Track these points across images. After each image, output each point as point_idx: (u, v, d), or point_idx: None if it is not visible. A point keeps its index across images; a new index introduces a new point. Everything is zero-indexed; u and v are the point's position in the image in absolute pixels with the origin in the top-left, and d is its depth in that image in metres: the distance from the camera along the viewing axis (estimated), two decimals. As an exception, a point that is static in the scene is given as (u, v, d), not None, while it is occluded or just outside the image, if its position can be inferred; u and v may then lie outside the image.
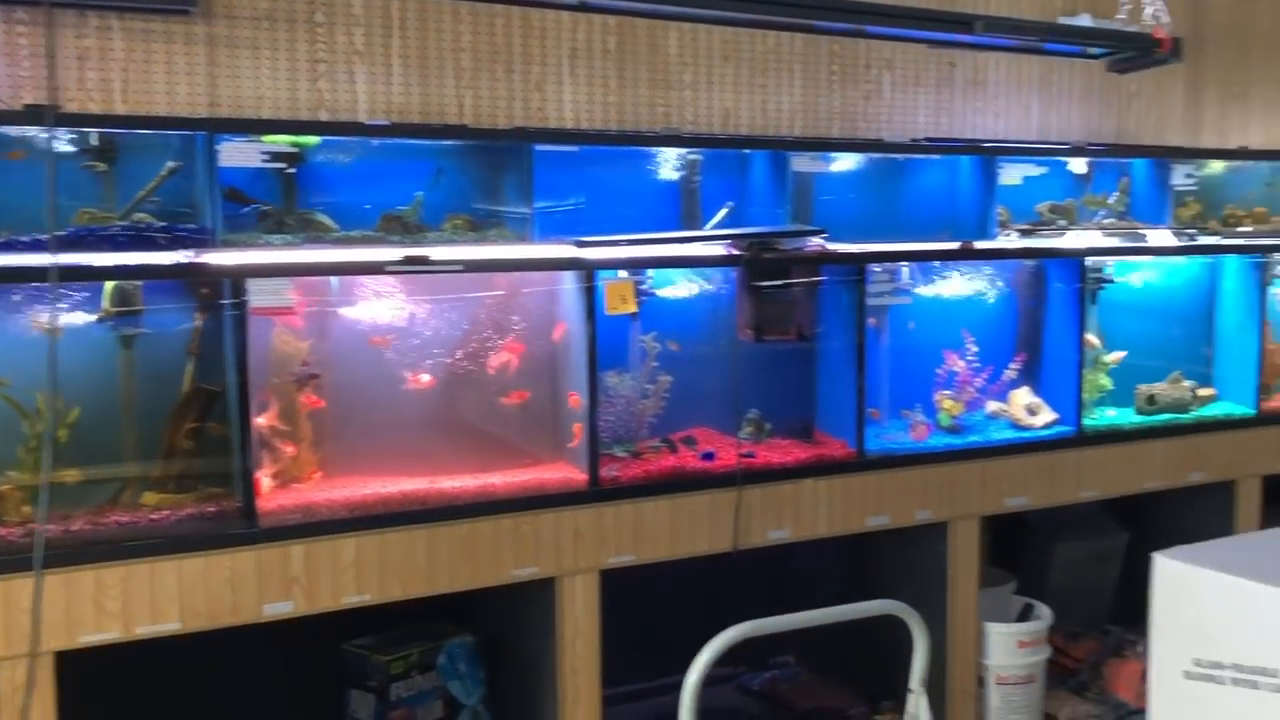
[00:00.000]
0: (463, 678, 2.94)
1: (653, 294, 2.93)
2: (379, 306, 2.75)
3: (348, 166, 2.91)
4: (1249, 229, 4.05)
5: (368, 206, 2.89)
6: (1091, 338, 3.55)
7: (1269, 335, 3.79)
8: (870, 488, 3.06)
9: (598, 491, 2.73)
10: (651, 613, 3.06)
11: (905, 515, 3.11)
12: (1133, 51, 3.30)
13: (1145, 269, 3.73)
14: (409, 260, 2.50)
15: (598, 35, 3.40)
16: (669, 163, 3.32)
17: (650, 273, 2.92)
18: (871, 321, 3.16)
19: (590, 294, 2.69)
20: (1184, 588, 1.83)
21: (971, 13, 3.19)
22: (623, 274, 2.80)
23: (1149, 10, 3.22)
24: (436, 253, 2.59)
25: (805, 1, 2.76)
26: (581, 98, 3.39)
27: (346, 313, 2.74)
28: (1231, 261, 3.76)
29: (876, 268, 3.13)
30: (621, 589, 2.82)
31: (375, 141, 2.94)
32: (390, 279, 2.70)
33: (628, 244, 2.82)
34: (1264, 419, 3.67)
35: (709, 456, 2.91)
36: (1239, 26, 4.54)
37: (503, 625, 2.97)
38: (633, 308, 2.77)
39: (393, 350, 2.78)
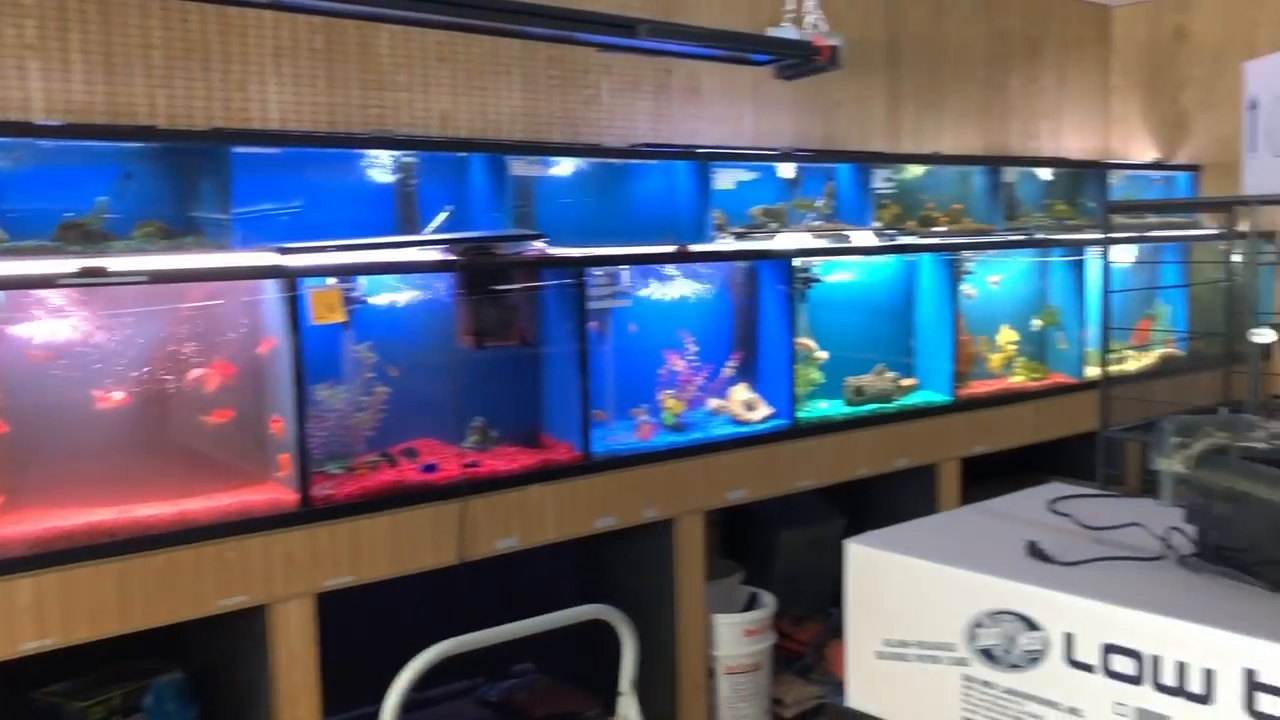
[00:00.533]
0: (171, 717, 2.74)
1: (365, 302, 2.83)
2: (61, 322, 2.51)
3: (20, 170, 2.66)
4: (943, 229, 4.36)
5: (70, 214, 2.65)
6: (807, 341, 3.71)
7: (962, 327, 4.09)
8: (597, 489, 3.07)
9: (310, 511, 2.60)
10: (382, 632, 2.95)
11: (633, 514, 3.14)
12: (796, 59, 3.46)
13: (850, 268, 3.93)
14: (86, 272, 2.30)
15: (304, 34, 3.25)
16: (383, 166, 3.23)
17: (363, 280, 2.82)
18: (594, 325, 3.18)
19: (294, 303, 2.56)
20: (873, 571, 1.93)
21: (634, 16, 3.23)
22: (331, 281, 2.69)
23: (810, 19, 3.39)
24: (120, 263, 2.39)
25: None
26: (288, 98, 3.24)
27: (23, 330, 2.49)
28: (927, 259, 4.02)
29: (597, 271, 3.15)
30: (347, 610, 2.71)
31: (52, 143, 2.70)
32: (76, 292, 2.47)
33: (335, 250, 2.71)
34: (960, 405, 3.95)
35: (431, 468, 2.84)
36: (932, 40, 4.87)
37: (215, 658, 2.79)
38: (341, 317, 2.66)
39: (80, 369, 2.55)
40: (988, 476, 3.96)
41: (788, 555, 3.95)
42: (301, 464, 2.60)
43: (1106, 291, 3.01)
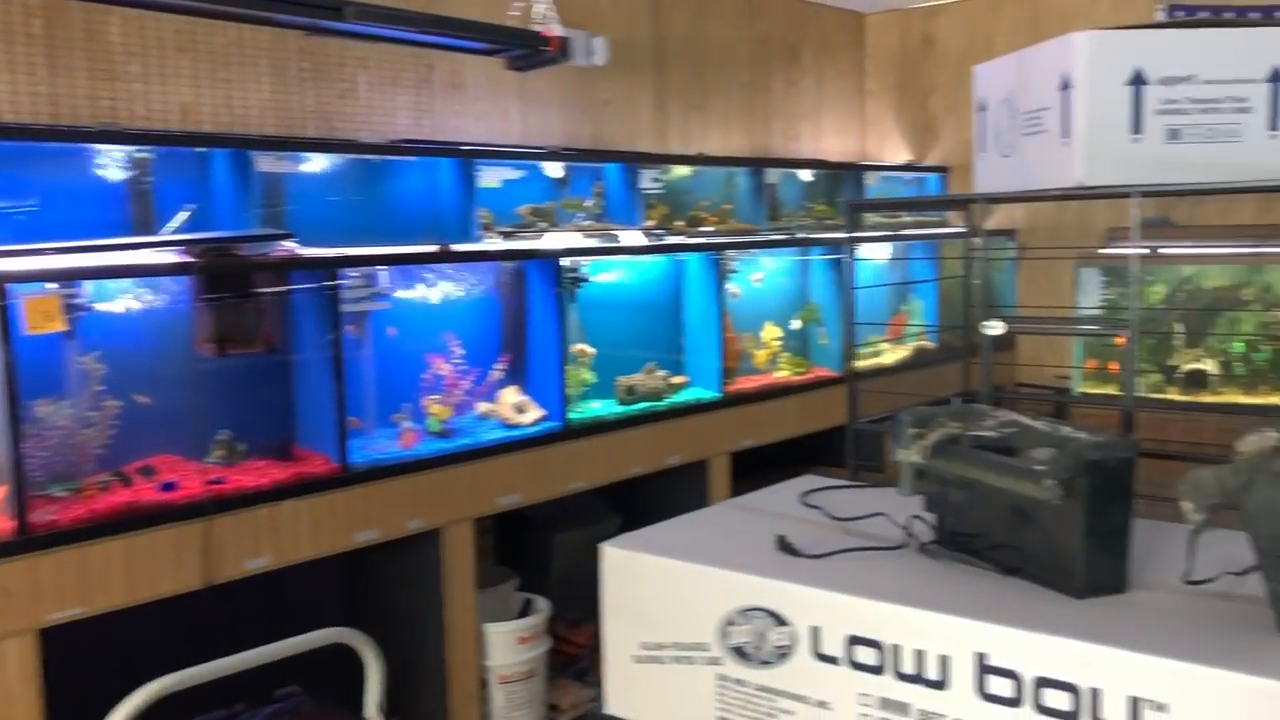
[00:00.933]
0: None
1: (91, 309, 2.60)
2: None
3: None
4: (710, 229, 4.42)
5: None
6: (583, 346, 3.68)
7: (729, 325, 4.15)
8: (357, 502, 2.93)
9: (29, 540, 2.36)
10: (123, 667, 2.72)
11: (396, 526, 3.03)
12: (524, 49, 3.41)
13: (620, 267, 3.92)
14: None
15: (19, 17, 2.98)
16: (116, 162, 2.99)
17: (88, 285, 2.59)
18: (350, 328, 3.05)
19: (4, 312, 2.32)
20: (628, 574, 1.90)
21: (348, 0, 3.12)
22: (51, 287, 2.45)
23: (538, 9, 3.36)
24: None
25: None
26: (2, 87, 2.95)
27: None
28: (694, 259, 4.06)
29: (352, 272, 3.02)
30: (80, 645, 2.48)
31: None
32: None
33: (54, 252, 2.48)
34: (728, 401, 4.01)
35: (170, 487, 2.64)
36: (696, 43, 4.94)
37: (-79, 709, 2.51)
38: (61, 325, 2.43)
39: None
40: (757, 469, 4.04)
41: (564, 557, 3.91)
42: (18, 488, 2.36)
43: (851, 288, 3.11)
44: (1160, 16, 4.14)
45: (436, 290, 3.39)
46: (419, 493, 3.07)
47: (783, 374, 4.37)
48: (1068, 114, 2.40)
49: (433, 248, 3.26)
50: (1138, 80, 2.33)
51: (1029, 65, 2.59)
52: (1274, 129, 2.35)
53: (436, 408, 3.26)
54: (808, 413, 4.31)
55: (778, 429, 4.21)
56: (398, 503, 3.02)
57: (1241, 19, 3.25)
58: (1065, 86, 2.39)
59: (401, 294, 3.28)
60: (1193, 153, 2.34)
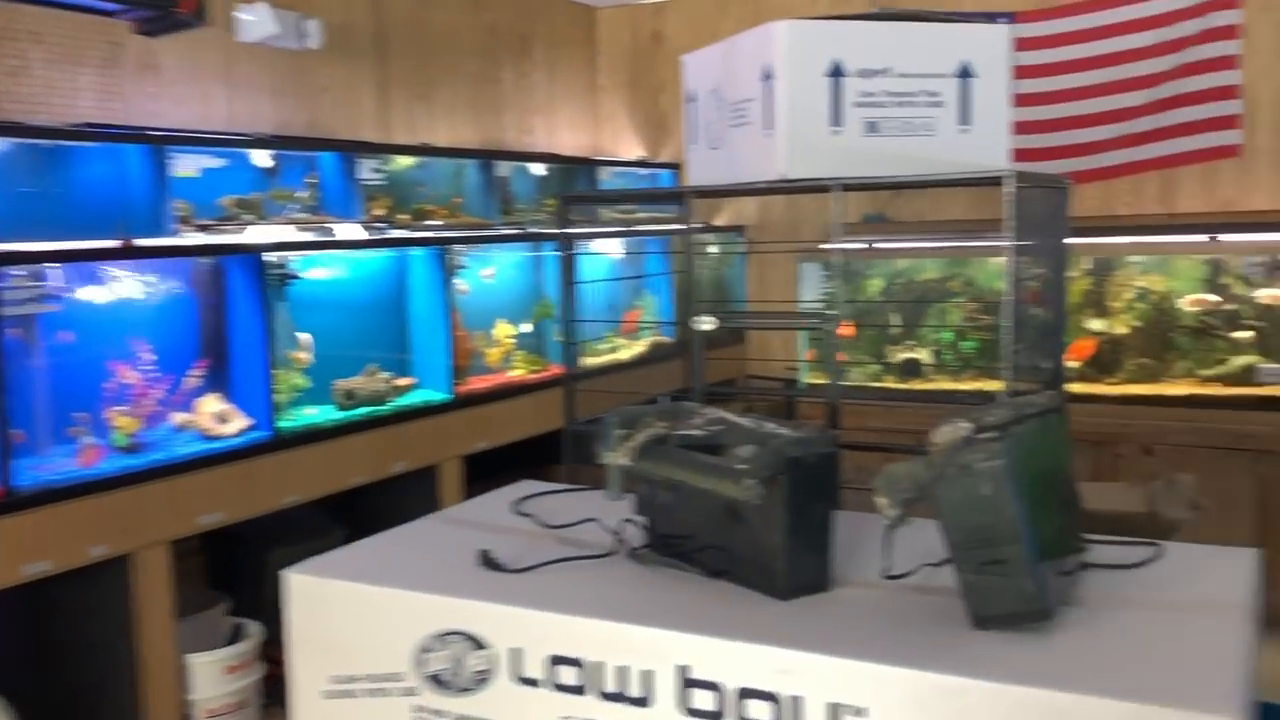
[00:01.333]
0: None
1: None
2: None
3: None
4: (439, 223, 4.25)
5: None
6: (298, 354, 3.43)
7: (459, 323, 3.99)
8: (25, 530, 2.59)
9: None
10: None
11: (75, 555, 2.70)
12: (151, 9, 3.12)
13: (337, 263, 3.69)
14: None
15: None
16: None
17: None
18: (15, 333, 2.70)
19: None
20: (316, 602, 1.72)
21: None
22: None
23: None
24: None
25: None
26: None
27: None
28: (419, 254, 3.88)
29: (14, 270, 2.67)
30: None
31: None
32: None
33: None
34: (459, 403, 3.85)
35: None
36: (420, 30, 4.74)
37: None
38: None
39: None
40: (495, 471, 3.90)
41: (280, 577, 3.64)
42: None
43: (568, 284, 3.02)
44: (872, 18, 4.28)
45: (122, 290, 3.06)
46: (103, 515, 2.75)
47: (518, 372, 4.26)
48: (770, 105, 2.38)
49: (114, 243, 2.93)
50: (837, 72, 2.35)
51: (734, 55, 2.57)
52: (965, 123, 2.43)
53: (123, 420, 2.94)
54: (544, 411, 4.20)
55: (514, 429, 4.08)
56: (76, 528, 2.69)
57: (935, 14, 3.38)
58: (768, 77, 2.38)
59: (79, 294, 2.94)
60: (890, 145, 2.38)
